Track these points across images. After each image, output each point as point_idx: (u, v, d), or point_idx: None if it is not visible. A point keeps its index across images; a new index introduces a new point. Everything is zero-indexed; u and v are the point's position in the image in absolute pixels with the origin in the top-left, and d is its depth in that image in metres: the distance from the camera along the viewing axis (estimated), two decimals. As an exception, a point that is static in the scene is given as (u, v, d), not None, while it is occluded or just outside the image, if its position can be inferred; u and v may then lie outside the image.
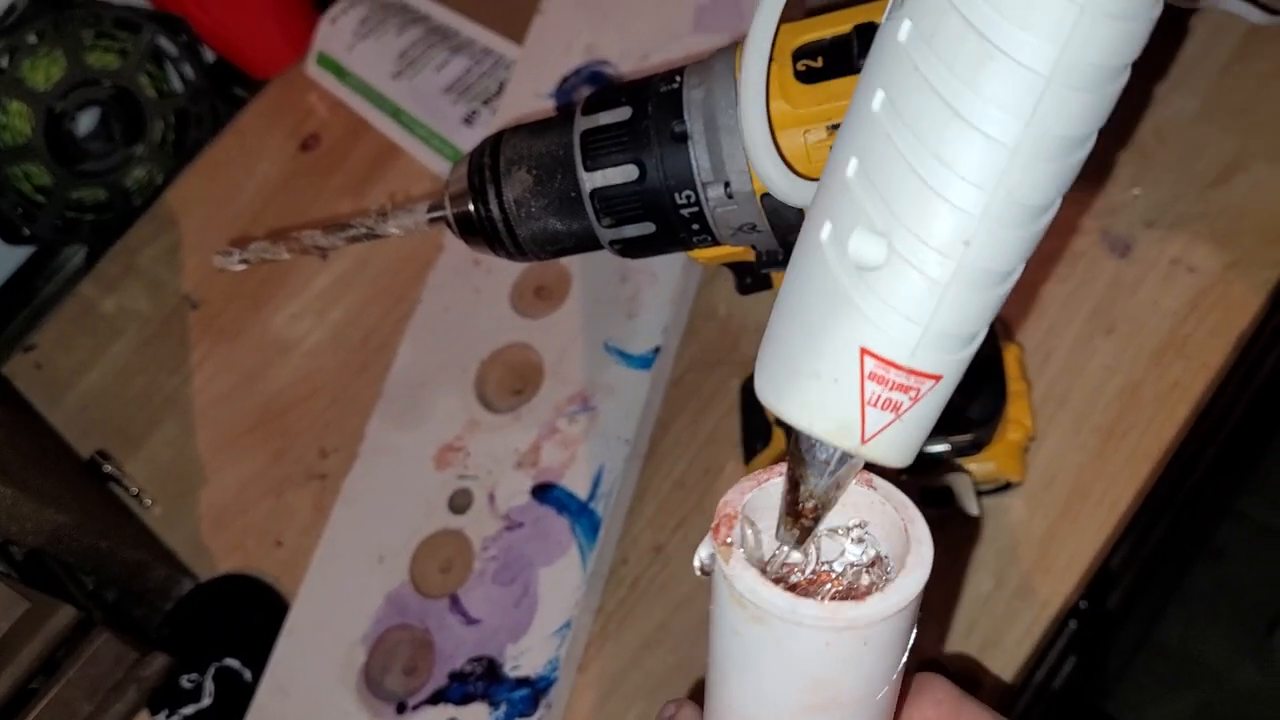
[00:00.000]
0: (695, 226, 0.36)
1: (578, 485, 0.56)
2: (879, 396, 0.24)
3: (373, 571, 0.58)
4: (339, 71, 0.76)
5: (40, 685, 0.55)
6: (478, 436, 0.59)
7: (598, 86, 0.64)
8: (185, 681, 0.59)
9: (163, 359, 0.72)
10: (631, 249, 0.38)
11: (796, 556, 0.28)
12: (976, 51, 0.21)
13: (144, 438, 0.70)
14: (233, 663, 0.59)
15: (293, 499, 0.64)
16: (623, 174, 0.36)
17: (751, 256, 0.41)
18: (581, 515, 0.56)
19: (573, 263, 0.62)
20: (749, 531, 0.27)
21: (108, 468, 0.68)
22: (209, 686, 0.59)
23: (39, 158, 0.73)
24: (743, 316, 0.60)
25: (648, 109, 0.36)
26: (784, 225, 0.36)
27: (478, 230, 0.39)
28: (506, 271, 0.63)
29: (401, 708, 0.54)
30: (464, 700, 0.53)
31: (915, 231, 0.22)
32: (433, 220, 0.40)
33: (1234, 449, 0.94)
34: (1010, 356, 0.51)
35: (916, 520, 0.27)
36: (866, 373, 0.24)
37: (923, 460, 0.50)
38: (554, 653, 0.53)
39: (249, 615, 0.60)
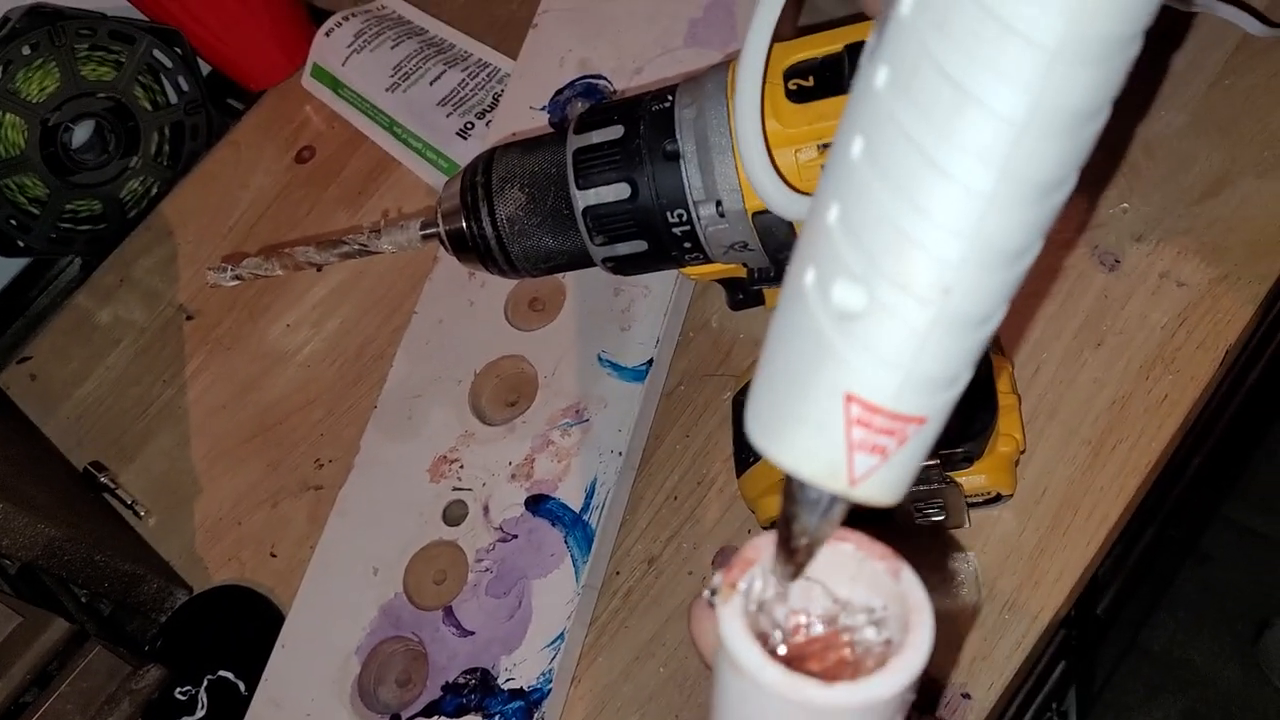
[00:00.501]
0: (687, 245, 0.37)
1: (571, 497, 0.57)
2: (865, 440, 0.24)
3: (367, 583, 0.58)
4: (334, 84, 0.76)
5: (33, 699, 0.55)
6: (472, 448, 0.60)
7: (591, 102, 0.64)
8: (179, 694, 0.59)
9: (158, 370, 0.72)
10: (624, 266, 0.38)
11: (815, 608, 0.29)
12: (951, 100, 0.21)
13: (139, 448, 0.70)
14: (227, 674, 0.59)
15: (288, 509, 0.64)
16: (615, 192, 0.36)
17: (743, 273, 0.41)
18: (575, 527, 0.56)
19: (567, 276, 0.62)
20: (759, 581, 0.28)
21: (102, 479, 0.68)
22: (203, 699, 0.59)
23: (33, 170, 0.74)
24: (735, 329, 0.61)
25: (640, 128, 0.36)
26: (775, 243, 0.36)
27: (470, 247, 0.39)
28: (501, 284, 0.63)
29: (396, 719, 0.55)
30: (457, 712, 0.53)
31: (895, 280, 0.23)
32: (426, 237, 0.41)
33: (1220, 456, 0.95)
34: (1001, 370, 0.51)
35: (922, 626, 0.27)
36: (852, 418, 0.24)
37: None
38: (547, 664, 0.53)
39: (243, 627, 0.61)
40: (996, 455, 0.51)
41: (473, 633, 0.55)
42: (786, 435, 0.25)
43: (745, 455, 0.54)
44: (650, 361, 0.59)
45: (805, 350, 0.24)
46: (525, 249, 0.38)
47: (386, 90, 0.74)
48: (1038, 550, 0.51)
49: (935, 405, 0.25)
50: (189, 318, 0.73)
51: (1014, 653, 0.50)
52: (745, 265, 0.38)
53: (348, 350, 0.69)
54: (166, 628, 0.62)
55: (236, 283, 0.42)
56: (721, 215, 0.36)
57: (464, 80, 0.73)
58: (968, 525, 0.51)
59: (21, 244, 0.75)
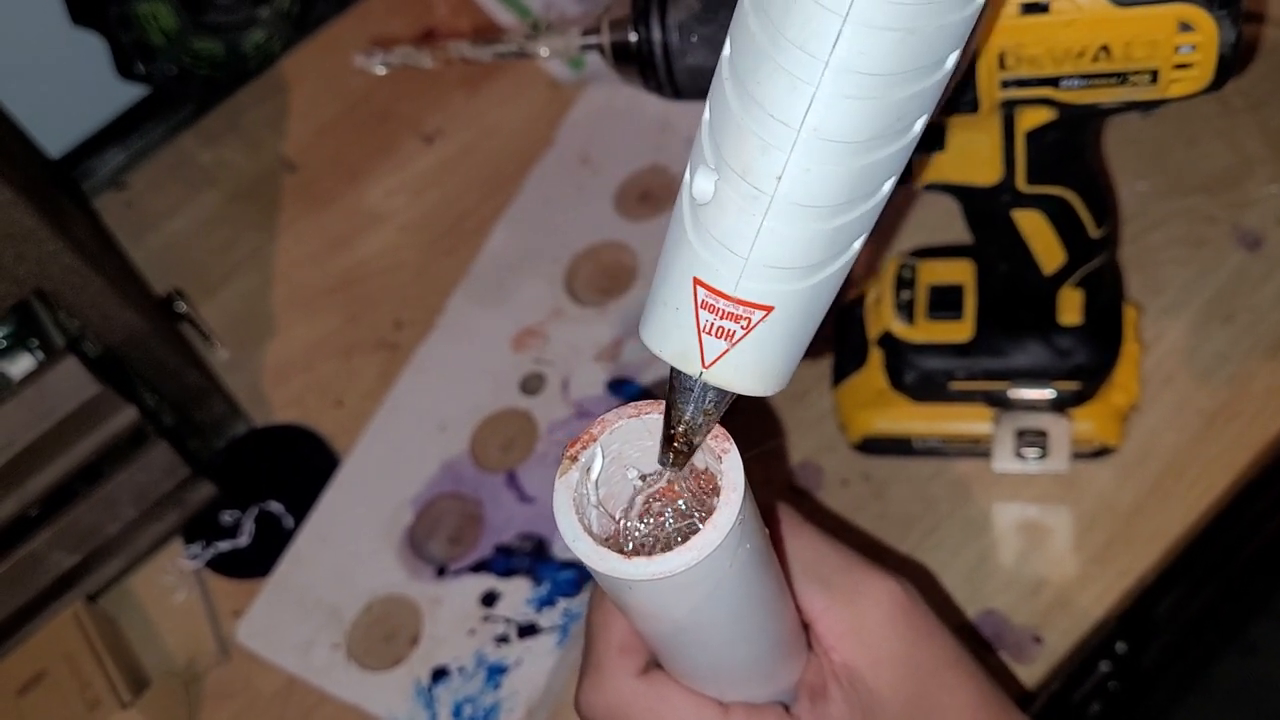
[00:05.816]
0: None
1: (657, 388, 0.55)
2: (712, 324, 0.26)
3: (432, 438, 0.57)
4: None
5: (83, 490, 0.54)
6: (560, 325, 0.58)
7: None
8: (226, 516, 0.58)
9: (251, 216, 0.72)
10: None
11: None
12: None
13: (220, 286, 0.69)
14: (276, 507, 0.58)
15: (360, 363, 0.64)
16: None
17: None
18: (653, 417, 0.54)
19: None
20: (600, 456, 0.29)
21: (182, 307, 0.67)
22: (249, 526, 0.58)
23: (167, 0, 0.73)
24: (846, 254, 0.59)
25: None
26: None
27: (633, 58, 0.38)
28: (613, 173, 0.63)
29: (442, 571, 0.53)
30: (507, 573, 0.52)
31: (734, 167, 0.24)
32: (585, 47, 0.40)
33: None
34: (1127, 316, 0.49)
35: (726, 507, 0.27)
36: (699, 301, 0.26)
37: (1025, 404, 0.49)
38: (606, 543, 0.51)
39: (300, 465, 0.60)
40: (1108, 404, 0.49)
41: (534, 499, 0.54)
42: (652, 319, 0.27)
43: (845, 365, 0.53)
44: (757, 267, 0.57)
45: (673, 241, 0.26)
46: (690, 66, 0.37)
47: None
48: (1134, 510, 0.49)
49: (783, 295, 0.25)
50: (291, 170, 0.73)
51: (1094, 606, 0.48)
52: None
53: (445, 221, 0.68)
54: (224, 452, 0.61)
55: (384, 70, 0.41)
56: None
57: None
58: (1065, 471, 0.49)
59: (141, 70, 0.75)
